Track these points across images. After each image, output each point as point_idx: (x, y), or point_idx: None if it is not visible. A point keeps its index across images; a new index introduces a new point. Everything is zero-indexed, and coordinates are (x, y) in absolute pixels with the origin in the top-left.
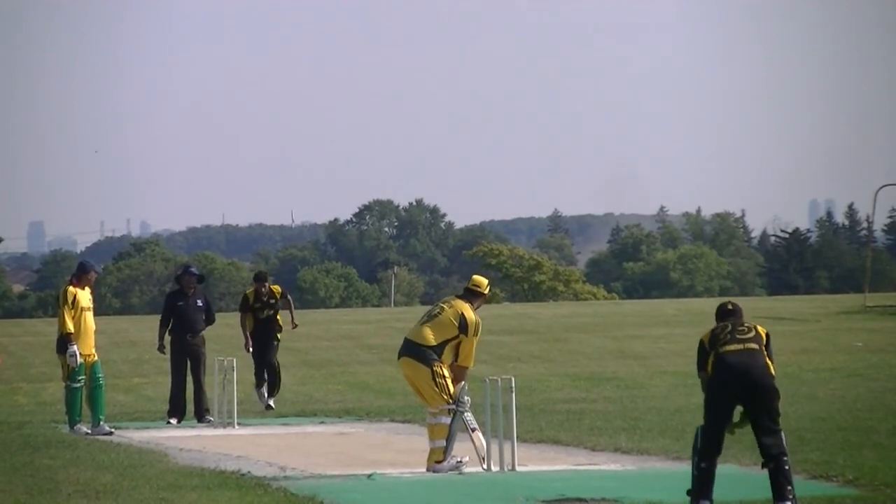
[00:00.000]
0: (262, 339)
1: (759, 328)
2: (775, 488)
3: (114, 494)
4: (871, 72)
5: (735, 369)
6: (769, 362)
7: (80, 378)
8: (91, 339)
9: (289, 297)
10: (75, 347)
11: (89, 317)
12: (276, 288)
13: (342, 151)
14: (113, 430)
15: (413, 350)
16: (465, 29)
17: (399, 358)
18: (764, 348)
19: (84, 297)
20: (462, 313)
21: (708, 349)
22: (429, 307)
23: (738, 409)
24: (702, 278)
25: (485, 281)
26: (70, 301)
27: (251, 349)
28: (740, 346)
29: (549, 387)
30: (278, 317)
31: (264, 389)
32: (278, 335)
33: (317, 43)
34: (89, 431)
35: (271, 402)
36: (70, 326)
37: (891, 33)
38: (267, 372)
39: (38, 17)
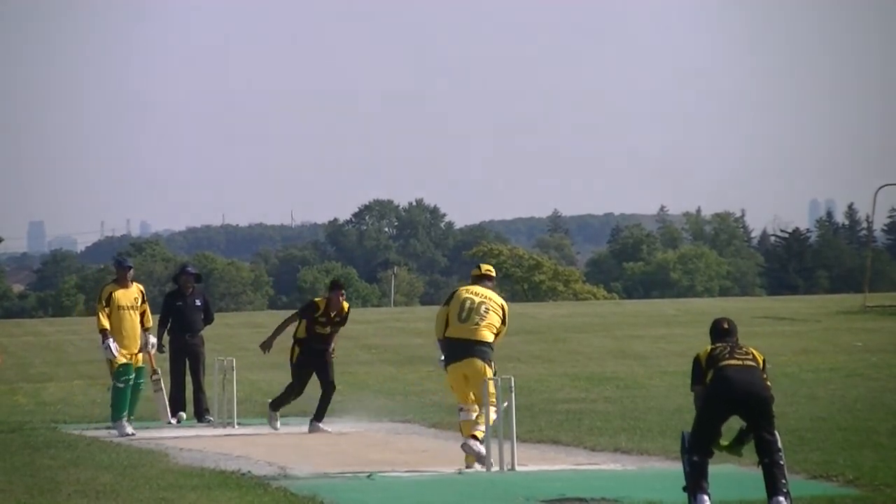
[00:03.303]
0: (318, 353)
1: (756, 352)
2: (770, 482)
3: (114, 494)
4: (871, 72)
5: (735, 382)
6: (765, 378)
7: (124, 378)
8: (133, 339)
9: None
10: (109, 341)
11: (131, 316)
12: (346, 305)
13: (342, 151)
14: (135, 432)
15: (480, 351)
16: (464, 28)
17: (460, 359)
18: (761, 371)
19: (124, 295)
20: (501, 304)
21: (704, 367)
22: (465, 302)
23: (732, 428)
24: (702, 278)
25: (492, 266)
26: (104, 299)
27: (269, 350)
28: (739, 363)
29: (549, 387)
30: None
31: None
32: (331, 349)
33: (316, 43)
34: (133, 432)
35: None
36: (104, 323)
37: (890, 33)
38: (324, 389)
39: (39, 17)
